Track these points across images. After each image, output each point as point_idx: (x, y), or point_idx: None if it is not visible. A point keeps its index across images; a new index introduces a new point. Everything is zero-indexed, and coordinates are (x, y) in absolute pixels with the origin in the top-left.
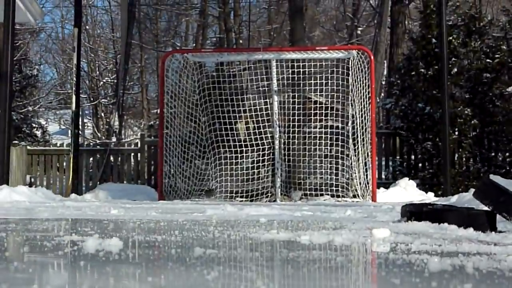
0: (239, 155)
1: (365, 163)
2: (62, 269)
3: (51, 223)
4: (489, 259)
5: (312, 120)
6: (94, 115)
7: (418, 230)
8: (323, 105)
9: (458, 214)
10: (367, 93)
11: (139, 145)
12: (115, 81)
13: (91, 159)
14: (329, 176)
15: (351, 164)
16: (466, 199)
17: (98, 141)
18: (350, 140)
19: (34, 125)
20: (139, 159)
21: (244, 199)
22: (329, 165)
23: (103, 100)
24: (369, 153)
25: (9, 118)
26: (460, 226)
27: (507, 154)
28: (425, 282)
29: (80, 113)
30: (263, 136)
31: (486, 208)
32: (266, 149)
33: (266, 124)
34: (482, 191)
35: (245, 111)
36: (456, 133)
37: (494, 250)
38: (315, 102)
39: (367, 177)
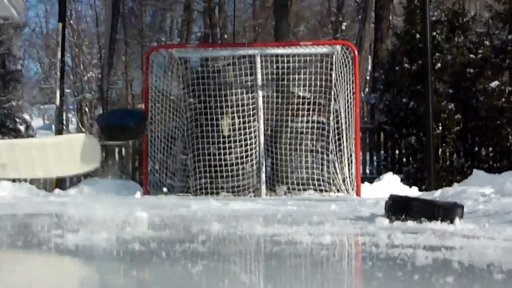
0: (226, 151)
1: (350, 157)
2: (43, 263)
3: (34, 218)
4: (470, 252)
5: (296, 115)
6: (79, 110)
7: (402, 225)
8: (307, 100)
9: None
10: (351, 88)
11: None
12: (100, 76)
13: None
14: (314, 171)
15: (336, 159)
16: (449, 193)
17: None
18: (335, 135)
19: (17, 120)
20: (123, 154)
21: (229, 194)
22: (314, 160)
23: (87, 95)
24: (354, 148)
25: None
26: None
27: (490, 149)
28: (408, 275)
29: (64, 108)
30: (248, 131)
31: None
32: (251, 144)
33: (251, 119)
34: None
35: (230, 106)
36: (440, 128)
37: (476, 243)
38: (299, 97)
39: (351, 172)
